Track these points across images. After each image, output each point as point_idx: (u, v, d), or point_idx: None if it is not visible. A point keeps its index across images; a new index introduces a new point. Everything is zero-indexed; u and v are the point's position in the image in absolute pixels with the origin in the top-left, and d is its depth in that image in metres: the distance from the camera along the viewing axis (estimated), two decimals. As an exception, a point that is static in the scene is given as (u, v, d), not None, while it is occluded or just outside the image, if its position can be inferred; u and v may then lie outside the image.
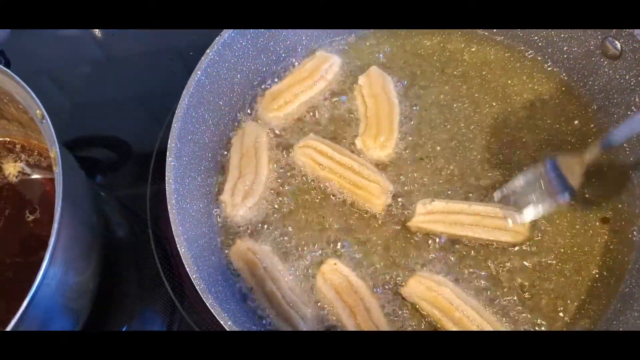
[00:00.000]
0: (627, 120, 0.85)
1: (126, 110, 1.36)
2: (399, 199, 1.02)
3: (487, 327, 0.88)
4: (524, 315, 0.92)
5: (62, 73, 1.42)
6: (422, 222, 0.97)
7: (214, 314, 0.81)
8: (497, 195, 0.98)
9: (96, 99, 1.37)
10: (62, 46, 1.45)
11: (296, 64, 1.18)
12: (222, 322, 0.80)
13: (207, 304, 0.81)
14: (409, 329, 0.92)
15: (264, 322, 0.93)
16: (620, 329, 0.86)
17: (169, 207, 0.88)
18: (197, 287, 0.82)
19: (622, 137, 0.86)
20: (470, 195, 1.02)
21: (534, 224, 0.98)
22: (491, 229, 0.96)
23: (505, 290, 0.94)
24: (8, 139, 1.15)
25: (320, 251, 0.99)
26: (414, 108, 1.12)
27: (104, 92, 1.38)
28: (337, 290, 0.93)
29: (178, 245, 0.85)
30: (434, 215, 0.97)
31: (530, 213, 0.94)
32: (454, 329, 0.88)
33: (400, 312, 0.93)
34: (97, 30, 1.46)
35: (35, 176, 1.13)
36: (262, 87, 1.15)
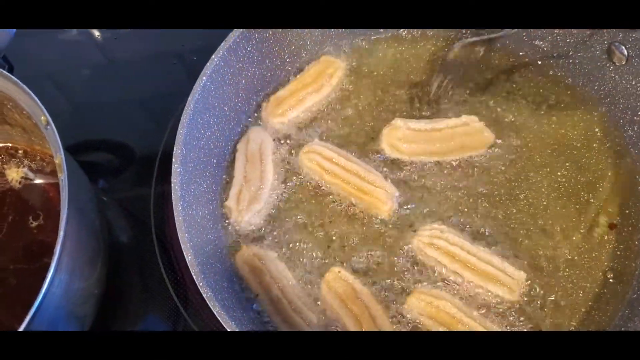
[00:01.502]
0: None
1: (128, 114, 1.35)
2: (405, 206, 1.02)
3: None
4: (530, 326, 0.91)
5: (64, 76, 1.42)
6: (424, 247, 0.96)
7: (221, 321, 0.80)
8: None
9: (98, 102, 1.36)
10: (65, 49, 1.45)
11: (301, 69, 1.17)
12: (228, 330, 0.80)
13: (215, 312, 0.80)
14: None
15: (269, 328, 0.92)
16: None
17: (175, 214, 0.87)
18: (204, 295, 0.81)
19: None
20: (471, 199, 1.02)
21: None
22: (485, 277, 0.93)
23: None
24: (11, 145, 1.15)
25: (325, 257, 0.99)
26: (418, 113, 1.12)
27: (106, 96, 1.37)
28: (341, 298, 0.92)
29: (185, 253, 0.85)
30: (438, 240, 0.95)
31: None
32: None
33: (405, 319, 0.93)
34: (98, 33, 1.45)
35: (38, 181, 1.12)
36: (267, 92, 1.15)
